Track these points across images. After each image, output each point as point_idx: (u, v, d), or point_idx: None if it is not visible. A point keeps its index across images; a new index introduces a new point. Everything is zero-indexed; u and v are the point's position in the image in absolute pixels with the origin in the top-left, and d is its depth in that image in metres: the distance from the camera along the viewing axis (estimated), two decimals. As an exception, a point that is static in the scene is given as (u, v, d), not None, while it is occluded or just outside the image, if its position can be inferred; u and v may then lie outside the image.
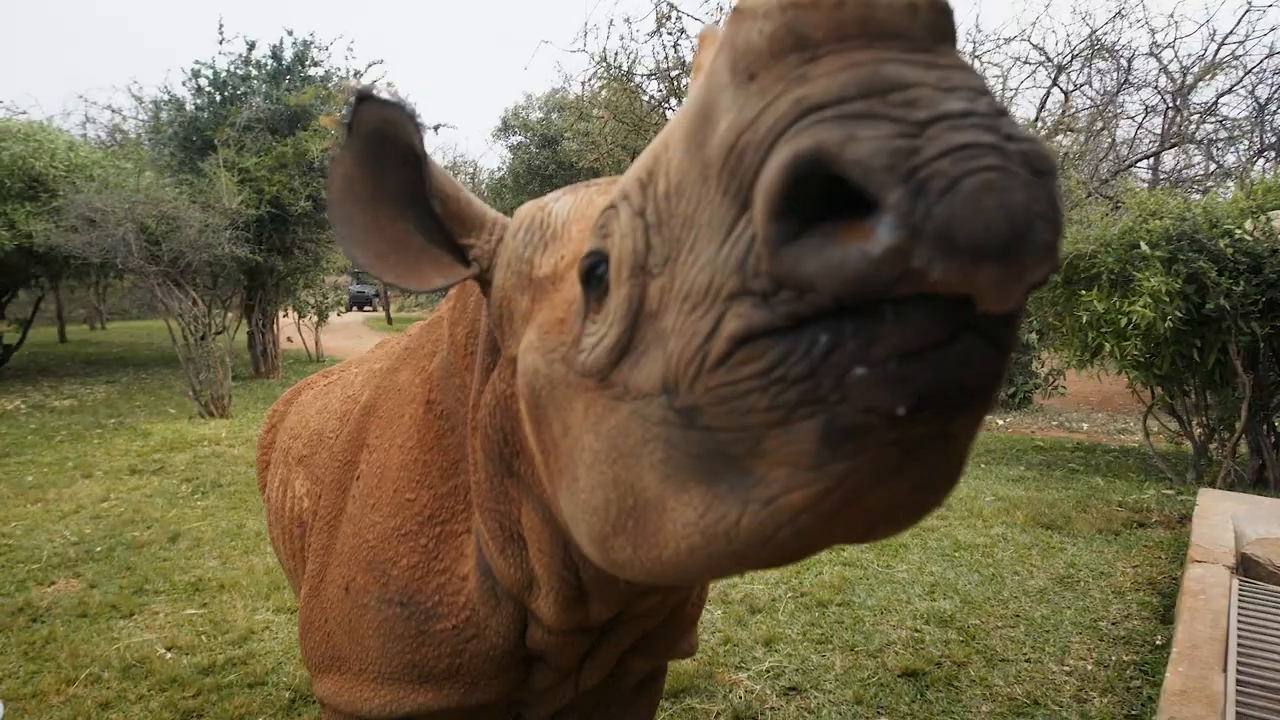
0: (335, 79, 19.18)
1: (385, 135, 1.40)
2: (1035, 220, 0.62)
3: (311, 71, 19.04)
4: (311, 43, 18.97)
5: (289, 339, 21.50)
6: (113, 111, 30.32)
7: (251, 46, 18.37)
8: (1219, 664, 3.82)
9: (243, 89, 18.07)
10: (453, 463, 1.76)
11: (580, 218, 1.39)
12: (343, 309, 25.23)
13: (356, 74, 19.53)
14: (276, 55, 18.59)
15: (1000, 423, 12.16)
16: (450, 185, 1.51)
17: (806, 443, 0.74)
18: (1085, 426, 11.43)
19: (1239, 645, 3.99)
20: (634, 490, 1.00)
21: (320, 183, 16.35)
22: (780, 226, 0.67)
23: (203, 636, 4.82)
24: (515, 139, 27.34)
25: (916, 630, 4.69)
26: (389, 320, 39.94)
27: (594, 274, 1.08)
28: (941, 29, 0.70)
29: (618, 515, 1.05)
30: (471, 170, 34.39)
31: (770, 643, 4.57)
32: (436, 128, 21.26)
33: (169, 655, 4.56)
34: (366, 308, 47.45)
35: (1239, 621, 4.25)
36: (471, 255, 1.50)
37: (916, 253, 0.61)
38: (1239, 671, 3.77)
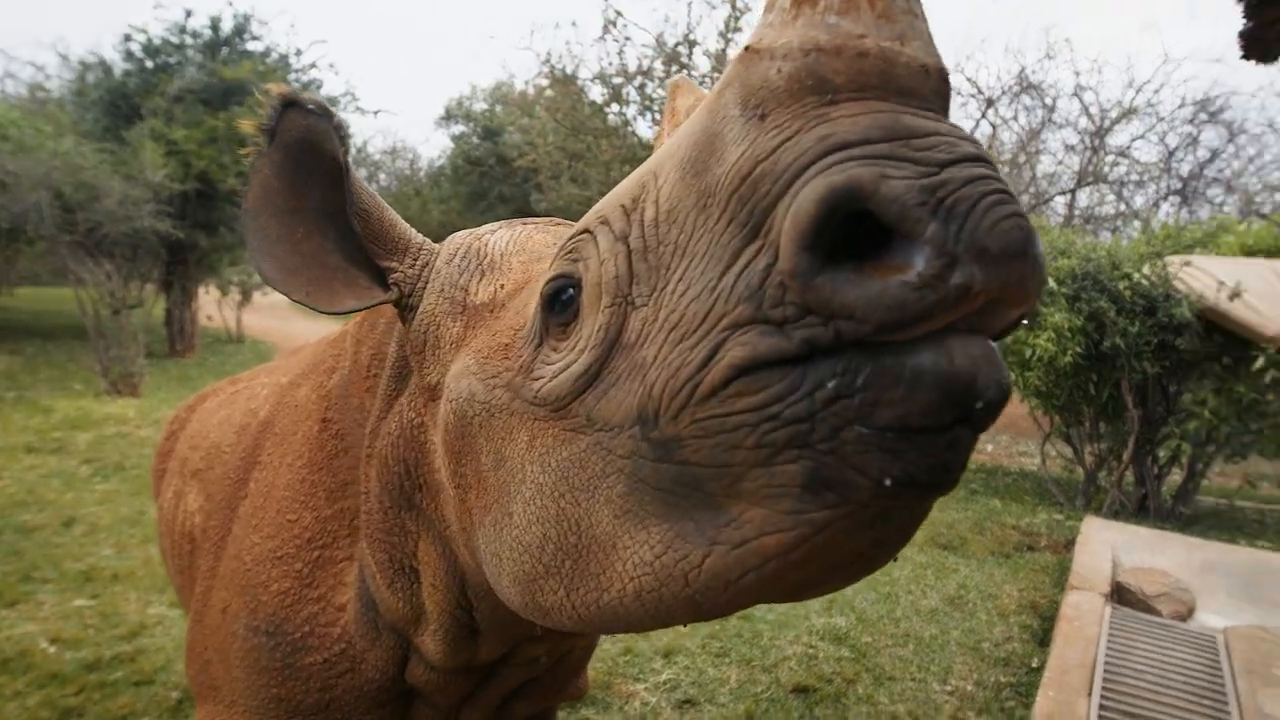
0: (275, 55, 18.71)
1: (309, 146, 1.35)
2: (1032, 232, 0.71)
3: (250, 45, 18.52)
4: (252, 16, 18.46)
5: (209, 317, 20.81)
6: (35, 68, 28.89)
7: (189, 14, 17.78)
8: (1085, 689, 4.06)
9: (176, 58, 17.48)
10: (341, 485, 1.69)
11: (520, 250, 1.39)
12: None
13: (298, 51, 19.11)
14: (215, 26, 18.03)
15: (914, 442, 12.54)
16: (374, 204, 1.46)
17: (788, 487, 0.76)
18: (989, 448, 11.89)
19: (1105, 671, 4.24)
20: (580, 527, 0.98)
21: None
22: (811, 257, 0.70)
23: (90, 630, 4.68)
24: (457, 128, 27.07)
25: (811, 646, 4.84)
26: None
27: (559, 298, 1.05)
28: (944, 95, 0.77)
29: (554, 554, 1.03)
30: (411, 157, 33.83)
31: (670, 654, 4.67)
32: (376, 113, 21.03)
33: (52, 649, 4.41)
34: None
35: (1108, 648, 4.51)
36: (392, 279, 1.44)
37: (956, 273, 0.67)
38: (1103, 696, 4.01)
